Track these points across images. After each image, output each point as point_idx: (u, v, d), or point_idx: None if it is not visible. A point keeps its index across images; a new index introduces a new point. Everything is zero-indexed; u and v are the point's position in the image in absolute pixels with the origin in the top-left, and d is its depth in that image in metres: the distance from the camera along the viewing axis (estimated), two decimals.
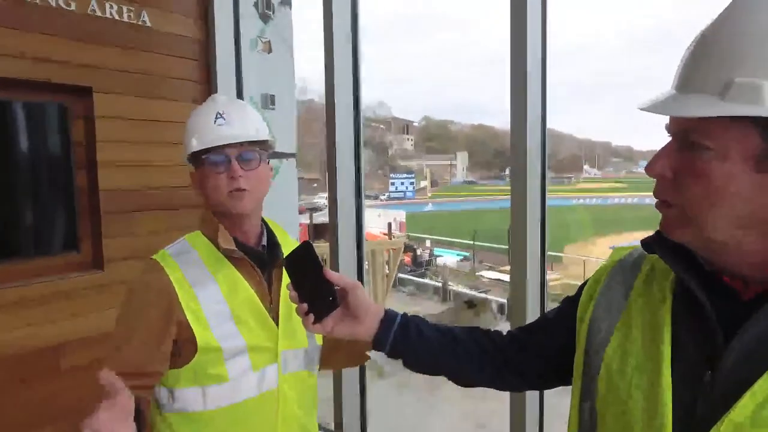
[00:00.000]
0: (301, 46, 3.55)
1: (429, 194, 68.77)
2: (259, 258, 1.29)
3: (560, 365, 0.87)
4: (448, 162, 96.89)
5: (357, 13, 2.65)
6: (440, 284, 14.37)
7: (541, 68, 2.01)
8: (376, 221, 24.23)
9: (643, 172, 0.69)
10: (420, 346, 0.92)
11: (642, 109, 0.65)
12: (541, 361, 0.93)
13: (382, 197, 59.41)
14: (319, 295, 0.88)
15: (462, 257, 23.99)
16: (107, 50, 2.59)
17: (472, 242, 24.68)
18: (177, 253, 1.27)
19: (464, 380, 0.97)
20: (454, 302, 13.04)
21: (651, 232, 0.74)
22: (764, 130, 0.58)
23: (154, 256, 1.27)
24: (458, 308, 10.82)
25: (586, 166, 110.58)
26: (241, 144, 1.25)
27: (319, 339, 1.39)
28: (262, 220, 1.36)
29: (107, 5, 2.57)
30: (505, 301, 11.60)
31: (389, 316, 0.93)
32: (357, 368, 2.75)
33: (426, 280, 16.05)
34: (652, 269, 0.78)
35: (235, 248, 1.25)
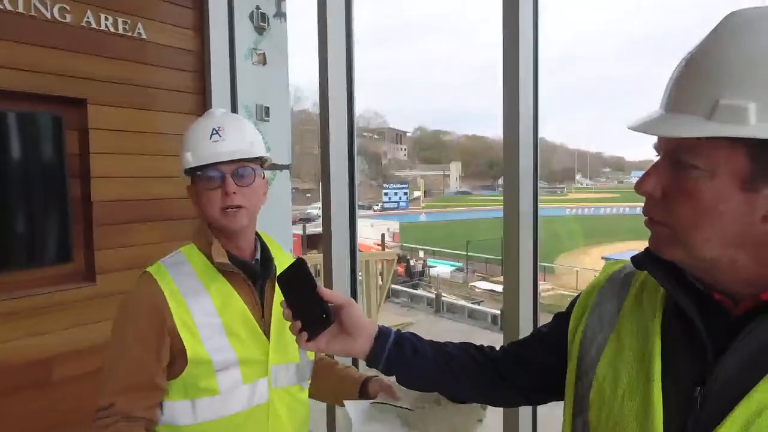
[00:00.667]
0: (295, 55, 3.57)
1: (422, 204, 68.85)
2: (252, 272, 1.30)
3: (554, 380, 0.87)
4: (442, 172, 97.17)
5: (351, 24, 2.67)
6: (434, 295, 14.34)
7: (533, 79, 2.03)
8: (370, 232, 24.23)
9: (635, 181, 0.70)
10: (414, 362, 0.92)
11: (631, 129, 0.66)
12: (534, 377, 0.93)
13: (376, 207, 59.41)
14: (312, 313, 0.88)
15: (455, 268, 24.01)
16: (102, 62, 2.59)
17: (465, 253, 24.72)
18: (172, 265, 1.27)
19: (459, 396, 0.97)
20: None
21: (643, 241, 0.74)
22: (751, 150, 0.59)
23: (148, 268, 1.27)
24: None
25: (578, 177, 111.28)
26: (237, 160, 1.25)
27: (311, 354, 1.39)
28: (257, 233, 1.36)
29: (102, 17, 2.58)
30: (498, 312, 11.60)
31: (383, 333, 0.93)
32: None
33: (420, 291, 16.02)
34: (643, 285, 0.79)
35: (228, 262, 1.26)
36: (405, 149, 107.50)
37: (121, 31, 2.66)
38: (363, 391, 1.34)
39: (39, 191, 2.50)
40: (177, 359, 1.20)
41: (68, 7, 2.47)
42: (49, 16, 2.42)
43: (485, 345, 0.99)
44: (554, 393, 0.90)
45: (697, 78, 0.62)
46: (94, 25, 2.56)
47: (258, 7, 3.18)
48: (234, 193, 1.23)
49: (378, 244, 20.46)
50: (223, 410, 1.22)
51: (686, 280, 0.70)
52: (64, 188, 2.53)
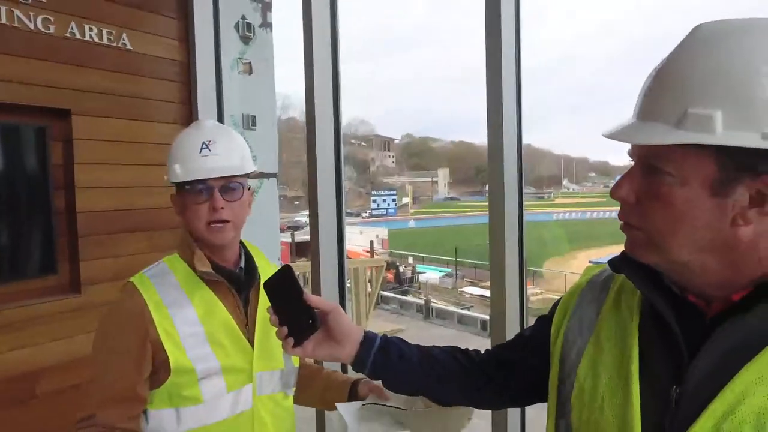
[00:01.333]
0: (283, 64, 3.59)
1: (411, 211, 68.97)
2: (236, 280, 1.30)
3: (538, 383, 0.89)
4: (430, 179, 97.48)
5: (337, 32, 2.69)
6: (423, 301, 14.35)
7: (516, 86, 2.06)
8: (359, 239, 24.22)
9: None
10: (400, 366, 0.93)
11: (606, 136, 0.68)
12: (519, 379, 0.94)
13: (364, 214, 59.39)
14: (298, 319, 0.89)
15: (444, 273, 24.05)
16: (87, 72, 2.59)
17: (454, 258, 24.77)
18: (155, 276, 1.27)
19: (445, 399, 0.99)
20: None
21: None
22: (718, 157, 0.61)
23: (131, 279, 1.26)
24: None
25: (565, 182, 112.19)
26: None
27: (295, 361, 1.39)
28: (241, 242, 1.37)
29: (86, 28, 2.58)
30: (487, 318, 11.63)
31: (369, 338, 0.94)
32: None
33: (409, 298, 16.01)
34: (621, 287, 0.81)
35: (212, 271, 1.26)
36: (393, 156, 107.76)
37: (106, 41, 2.65)
38: (352, 394, 1.35)
39: (23, 203, 2.48)
40: (160, 369, 1.20)
41: (52, 18, 2.46)
42: (32, 27, 2.41)
43: (470, 348, 1.01)
44: (539, 394, 0.91)
45: (666, 88, 0.64)
46: (78, 36, 2.55)
47: (244, 17, 3.19)
48: (222, 208, 1.23)
49: (367, 251, 20.46)
50: (208, 418, 1.22)
51: (662, 282, 0.72)
52: (48, 199, 2.51)
